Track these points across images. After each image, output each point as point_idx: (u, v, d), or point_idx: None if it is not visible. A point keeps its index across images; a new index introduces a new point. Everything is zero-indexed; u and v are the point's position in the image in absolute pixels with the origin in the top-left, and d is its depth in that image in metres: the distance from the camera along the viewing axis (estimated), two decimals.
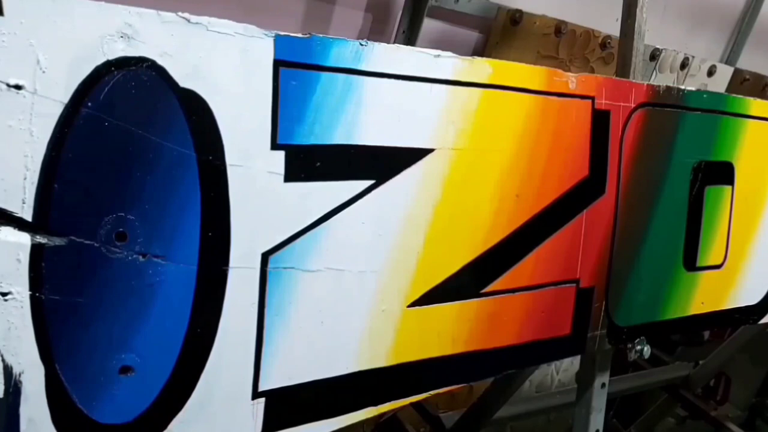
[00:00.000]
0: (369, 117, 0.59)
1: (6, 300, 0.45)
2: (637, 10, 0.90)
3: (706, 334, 2.04)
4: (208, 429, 0.55)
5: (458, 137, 0.65)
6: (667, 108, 0.83)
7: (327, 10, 1.28)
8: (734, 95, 0.93)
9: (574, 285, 0.79)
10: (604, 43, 1.50)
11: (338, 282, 0.60)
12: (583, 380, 0.94)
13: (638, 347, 0.90)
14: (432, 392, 0.70)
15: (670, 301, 0.92)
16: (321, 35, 0.56)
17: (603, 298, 0.83)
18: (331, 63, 0.56)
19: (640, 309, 0.88)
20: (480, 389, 1.37)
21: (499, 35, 1.38)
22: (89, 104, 0.46)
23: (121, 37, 0.47)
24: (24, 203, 0.45)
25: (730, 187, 0.94)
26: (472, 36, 1.46)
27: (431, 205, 0.65)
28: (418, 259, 0.65)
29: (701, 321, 0.97)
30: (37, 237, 0.45)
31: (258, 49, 0.52)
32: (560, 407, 1.66)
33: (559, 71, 0.72)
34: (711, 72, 1.82)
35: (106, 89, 0.46)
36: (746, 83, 1.95)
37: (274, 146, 0.54)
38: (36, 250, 0.45)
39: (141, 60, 0.48)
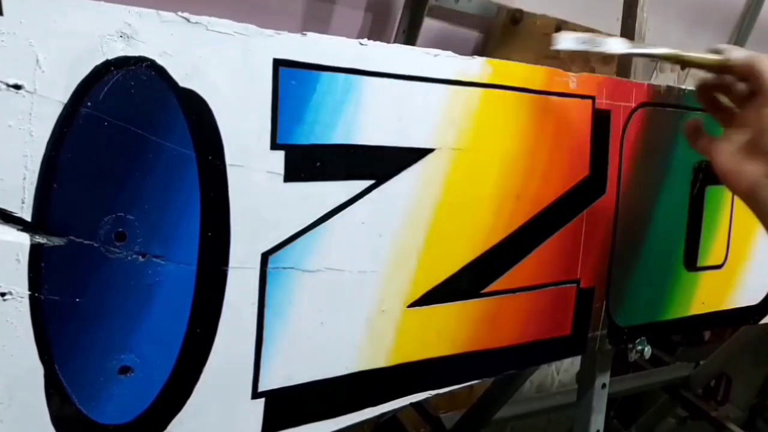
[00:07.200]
0: (369, 117, 0.59)
1: (5, 300, 0.45)
2: (637, 10, 0.89)
3: (707, 334, 2.04)
4: (207, 429, 0.55)
5: (459, 137, 0.65)
6: (668, 108, 0.83)
7: (327, 10, 1.28)
8: None
9: (575, 285, 0.79)
10: None
11: (338, 282, 0.60)
12: (584, 381, 0.94)
13: (639, 347, 0.89)
14: (432, 392, 0.70)
15: (671, 301, 0.91)
16: (320, 35, 0.56)
17: (603, 298, 0.83)
18: (331, 63, 0.56)
19: (641, 309, 0.88)
20: (480, 390, 1.37)
21: (499, 35, 1.38)
22: (89, 104, 0.46)
23: (121, 36, 0.47)
24: (23, 203, 0.45)
25: None
26: (472, 36, 1.46)
27: (432, 205, 0.65)
28: (419, 259, 0.65)
29: (702, 321, 0.97)
30: (37, 237, 0.45)
31: (258, 49, 0.52)
32: (561, 408, 1.66)
33: (560, 71, 0.72)
34: None
35: (106, 89, 0.46)
36: None
37: (274, 146, 0.54)
38: (35, 250, 0.45)
39: (140, 60, 0.48)
